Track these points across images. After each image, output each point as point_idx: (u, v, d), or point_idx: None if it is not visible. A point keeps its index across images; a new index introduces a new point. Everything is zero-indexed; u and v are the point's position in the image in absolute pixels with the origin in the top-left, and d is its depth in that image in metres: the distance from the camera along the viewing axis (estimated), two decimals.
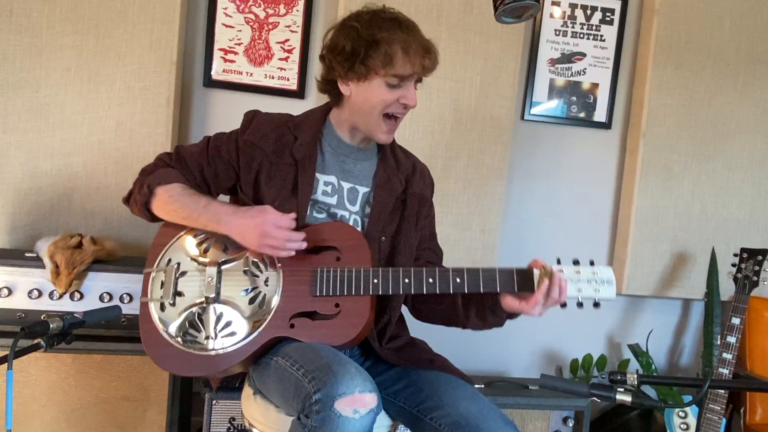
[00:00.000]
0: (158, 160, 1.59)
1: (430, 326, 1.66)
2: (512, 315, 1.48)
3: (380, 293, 1.41)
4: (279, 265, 1.45)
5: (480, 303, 1.49)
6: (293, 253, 1.41)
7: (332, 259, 1.44)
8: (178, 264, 1.51)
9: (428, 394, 1.42)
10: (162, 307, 1.49)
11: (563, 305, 1.38)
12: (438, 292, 1.41)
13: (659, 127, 2.56)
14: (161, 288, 1.50)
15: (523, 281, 1.40)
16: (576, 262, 1.40)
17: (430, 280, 1.40)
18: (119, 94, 2.19)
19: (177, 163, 1.56)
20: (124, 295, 1.94)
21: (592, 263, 1.40)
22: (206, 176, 1.56)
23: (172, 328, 1.47)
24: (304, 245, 1.42)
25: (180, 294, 1.49)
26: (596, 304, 1.37)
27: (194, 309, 1.47)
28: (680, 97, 2.56)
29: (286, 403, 1.34)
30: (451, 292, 1.41)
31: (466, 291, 1.40)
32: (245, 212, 1.42)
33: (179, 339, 1.46)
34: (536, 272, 1.39)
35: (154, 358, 1.48)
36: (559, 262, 1.40)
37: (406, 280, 1.40)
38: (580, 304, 1.38)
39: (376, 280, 1.40)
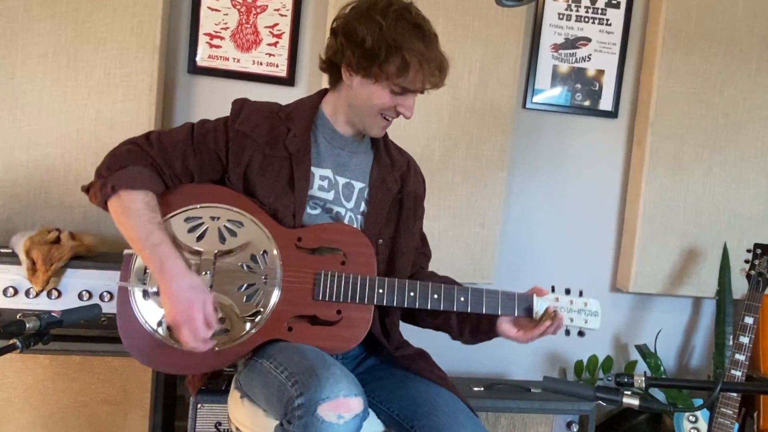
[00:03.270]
0: (133, 146, 1.44)
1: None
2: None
3: (384, 304, 1.43)
4: (281, 262, 1.40)
5: (476, 324, 1.53)
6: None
7: (337, 262, 1.43)
8: None
9: (425, 412, 1.38)
10: (145, 295, 1.40)
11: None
12: (441, 308, 1.45)
13: (668, 116, 2.52)
14: (145, 273, 1.41)
15: (526, 310, 1.48)
16: (568, 292, 1.51)
17: (435, 296, 1.45)
18: (99, 82, 2.16)
19: (157, 151, 1.43)
20: (104, 293, 1.90)
21: (581, 294, 1.52)
22: (190, 167, 1.46)
23: (156, 320, 1.39)
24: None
25: None
26: (581, 333, 1.51)
27: None
28: (690, 84, 2.53)
29: (272, 407, 1.31)
30: (455, 310, 1.46)
31: (468, 310, 1.45)
32: (185, 290, 1.32)
33: (162, 331, 1.39)
34: (537, 303, 1.47)
35: (130, 349, 1.40)
36: (553, 290, 1.50)
37: (411, 294, 1.43)
38: (567, 332, 1.51)
39: (381, 290, 1.41)
